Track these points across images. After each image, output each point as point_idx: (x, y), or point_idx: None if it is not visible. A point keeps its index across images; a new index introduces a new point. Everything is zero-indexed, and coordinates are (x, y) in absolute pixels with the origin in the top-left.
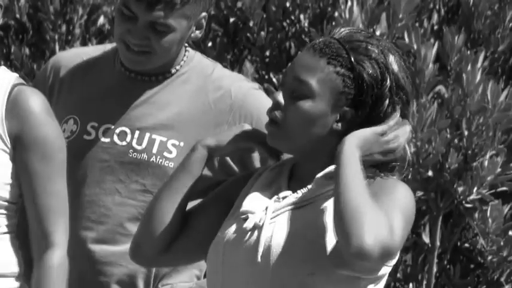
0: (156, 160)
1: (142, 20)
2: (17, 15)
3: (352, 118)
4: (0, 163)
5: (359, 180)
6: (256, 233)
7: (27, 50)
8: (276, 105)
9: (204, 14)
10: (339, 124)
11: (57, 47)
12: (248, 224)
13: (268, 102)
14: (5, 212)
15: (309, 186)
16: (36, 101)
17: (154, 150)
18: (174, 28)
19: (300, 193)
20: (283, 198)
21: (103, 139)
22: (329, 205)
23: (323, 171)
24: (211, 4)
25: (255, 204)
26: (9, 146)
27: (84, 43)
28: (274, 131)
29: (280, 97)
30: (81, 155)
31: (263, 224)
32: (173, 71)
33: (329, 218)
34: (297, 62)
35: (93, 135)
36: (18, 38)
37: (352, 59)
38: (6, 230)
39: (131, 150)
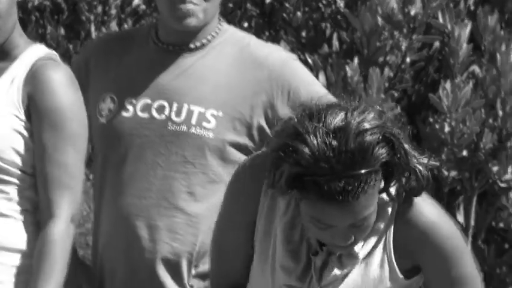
0: (195, 131)
1: None
2: None
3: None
4: (12, 129)
5: None
6: None
7: (62, 31)
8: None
9: None
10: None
11: (92, 28)
12: None
13: (305, 73)
14: (18, 182)
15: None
16: (55, 72)
17: (194, 121)
18: None
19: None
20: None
21: (141, 114)
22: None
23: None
24: None
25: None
26: (22, 113)
27: (119, 24)
28: None
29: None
30: (120, 133)
31: None
32: (204, 41)
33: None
34: (347, 216)
35: (131, 112)
36: (53, 19)
37: (368, 170)
38: (19, 207)
39: (170, 123)
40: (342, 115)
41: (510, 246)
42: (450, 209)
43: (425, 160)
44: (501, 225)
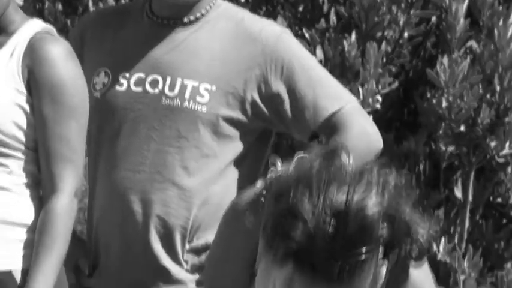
0: (189, 105)
1: None
2: None
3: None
4: (13, 103)
5: None
6: None
7: (60, 6)
8: None
9: None
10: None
11: (90, 3)
12: None
13: (298, 47)
14: (19, 156)
15: None
16: (54, 46)
17: (187, 96)
18: None
19: None
20: None
21: (135, 89)
22: None
23: None
24: None
25: None
26: (23, 86)
27: None
28: None
29: None
30: (114, 107)
31: None
32: (198, 15)
33: None
34: None
35: (124, 86)
36: None
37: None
38: (25, 180)
39: (164, 97)
40: (343, 193)
41: (508, 221)
42: (448, 184)
43: (427, 228)
44: (499, 200)
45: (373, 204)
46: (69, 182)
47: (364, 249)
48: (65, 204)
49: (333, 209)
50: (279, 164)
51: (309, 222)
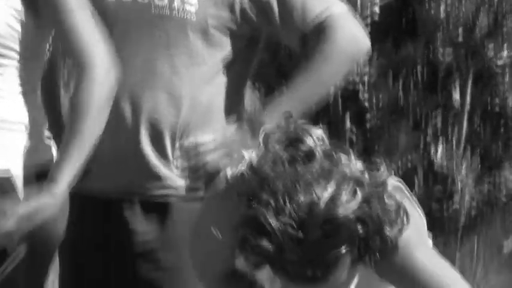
0: (178, 14)
1: None
2: None
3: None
4: (6, 10)
5: None
6: None
7: None
8: None
9: None
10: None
11: None
12: None
13: None
14: (13, 63)
15: None
16: None
17: (176, 2)
18: None
19: None
20: None
21: None
22: None
23: None
24: None
25: None
26: None
27: None
28: None
29: None
30: (103, 17)
31: None
32: None
33: None
34: None
35: None
36: None
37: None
38: (16, 88)
39: (153, 6)
40: (310, 194)
41: (505, 127)
42: (445, 91)
43: (397, 227)
44: (497, 102)
45: (343, 205)
46: (101, 56)
47: (333, 251)
48: (102, 76)
49: (299, 212)
50: (245, 153)
51: (275, 230)
